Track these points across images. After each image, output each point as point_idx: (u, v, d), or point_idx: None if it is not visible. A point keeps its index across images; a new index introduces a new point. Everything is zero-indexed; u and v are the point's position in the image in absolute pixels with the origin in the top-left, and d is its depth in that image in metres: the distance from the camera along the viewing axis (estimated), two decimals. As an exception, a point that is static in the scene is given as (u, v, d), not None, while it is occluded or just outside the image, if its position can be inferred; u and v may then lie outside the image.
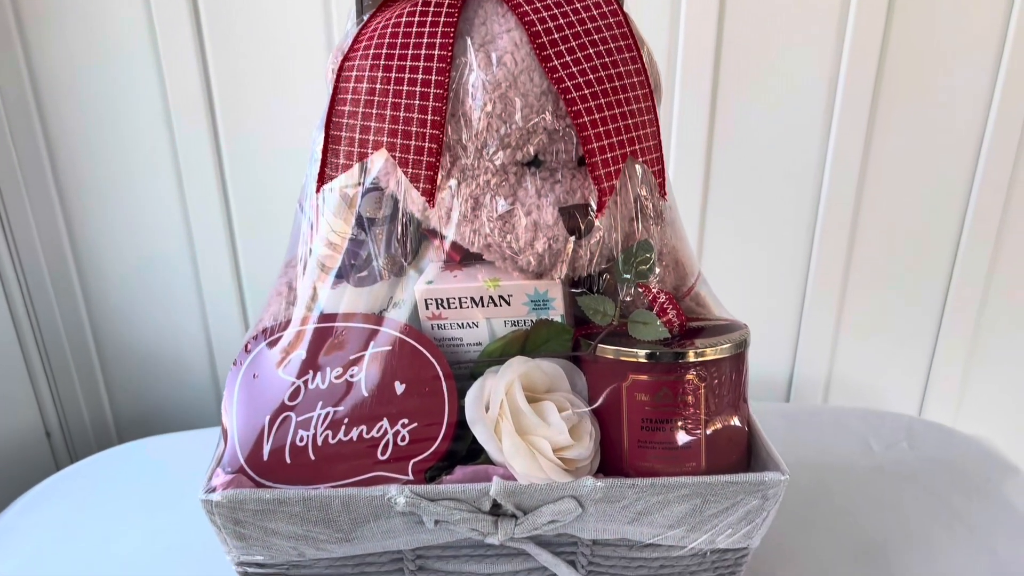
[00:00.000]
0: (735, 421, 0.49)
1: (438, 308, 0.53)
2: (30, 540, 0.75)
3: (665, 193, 0.52)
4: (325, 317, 0.52)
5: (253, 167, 0.95)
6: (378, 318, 0.52)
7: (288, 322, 0.52)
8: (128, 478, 0.85)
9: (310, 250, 0.54)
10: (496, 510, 0.48)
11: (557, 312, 0.52)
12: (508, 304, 0.52)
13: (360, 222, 0.53)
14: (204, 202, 0.96)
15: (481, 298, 0.52)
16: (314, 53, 0.89)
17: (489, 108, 0.46)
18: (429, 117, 0.46)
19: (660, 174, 0.51)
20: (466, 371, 0.54)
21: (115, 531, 0.76)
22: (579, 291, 0.51)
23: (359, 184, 0.51)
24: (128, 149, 0.94)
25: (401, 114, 0.46)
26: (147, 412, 1.08)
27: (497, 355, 0.52)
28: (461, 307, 0.52)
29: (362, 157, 0.48)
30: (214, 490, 0.47)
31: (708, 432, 0.48)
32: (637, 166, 0.50)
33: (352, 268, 0.54)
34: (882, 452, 0.87)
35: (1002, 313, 1.06)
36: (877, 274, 1.04)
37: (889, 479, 0.82)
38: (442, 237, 0.51)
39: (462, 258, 0.54)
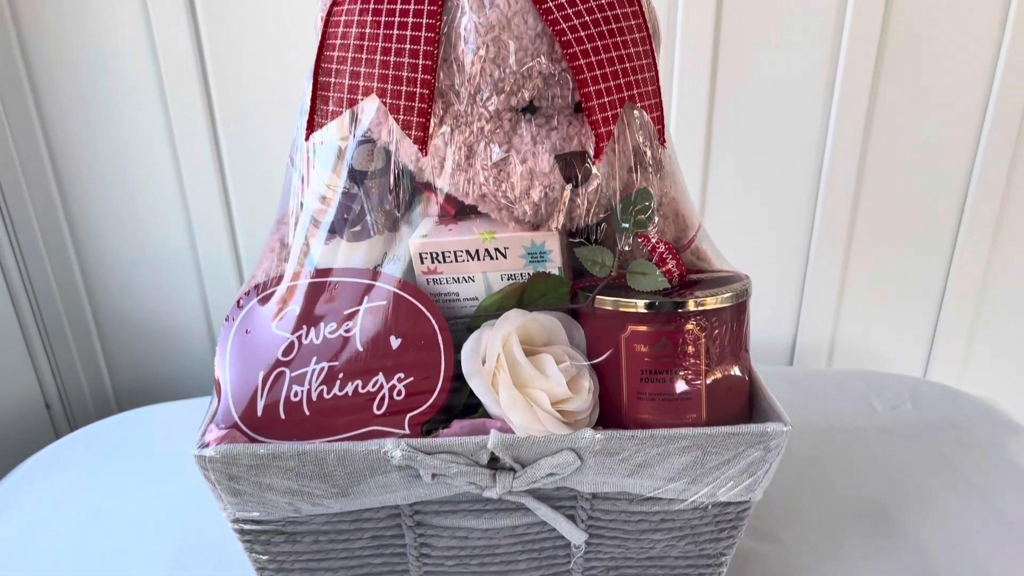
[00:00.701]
0: (736, 372, 0.48)
1: (433, 262, 0.52)
2: (31, 505, 0.75)
3: (664, 141, 0.51)
4: (319, 272, 0.51)
5: (248, 132, 0.94)
6: (373, 273, 0.51)
7: (281, 277, 0.51)
8: (128, 446, 0.85)
9: (301, 204, 0.53)
10: (494, 464, 0.47)
11: (554, 264, 0.51)
12: (504, 257, 0.51)
13: (352, 175, 0.52)
14: (199, 169, 0.95)
15: (477, 251, 0.51)
16: (307, 5, 0.87)
17: (482, 52, 0.45)
18: (420, 62, 0.45)
19: (659, 121, 0.50)
20: (462, 326, 0.53)
21: (115, 497, 0.76)
22: (577, 240, 0.50)
23: (350, 136, 0.50)
24: (121, 117, 0.92)
25: (392, 59, 0.45)
26: (146, 382, 1.07)
27: (494, 309, 0.51)
28: (456, 261, 0.51)
29: (352, 104, 0.47)
30: (207, 446, 0.46)
31: (708, 383, 0.47)
32: (635, 112, 0.48)
33: (345, 223, 0.53)
34: (886, 413, 0.87)
35: (1007, 276, 1.05)
36: (881, 238, 1.02)
37: (893, 439, 0.82)
38: (436, 190, 0.50)
39: (457, 212, 0.53)
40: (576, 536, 0.50)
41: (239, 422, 0.48)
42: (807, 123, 0.95)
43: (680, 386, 0.47)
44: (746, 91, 0.93)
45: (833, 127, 0.93)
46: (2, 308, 0.95)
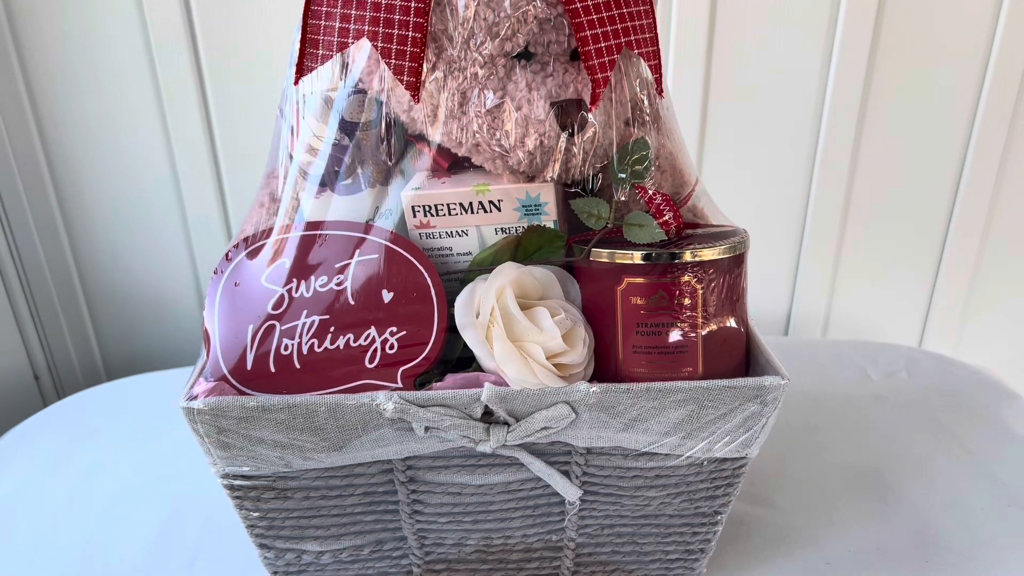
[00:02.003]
0: (733, 325, 0.48)
1: (426, 215, 0.51)
2: (21, 470, 0.75)
3: (662, 91, 0.50)
4: (310, 225, 0.50)
5: (240, 99, 0.92)
6: (364, 226, 0.50)
7: (270, 230, 0.50)
8: (118, 412, 0.84)
9: (290, 157, 0.52)
10: (488, 417, 0.46)
11: (550, 217, 0.50)
12: (499, 210, 0.50)
13: (343, 127, 0.50)
14: (188, 139, 0.93)
15: (470, 204, 0.50)
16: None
17: (476, -5, 0.44)
18: (413, 4, 0.44)
19: (657, 70, 0.49)
20: (456, 281, 0.52)
21: (105, 461, 0.75)
22: (573, 191, 0.49)
23: (340, 85, 0.49)
24: (109, 86, 0.90)
25: (383, 1, 0.44)
26: (136, 353, 1.06)
27: (488, 264, 0.51)
28: (450, 214, 0.50)
29: (342, 48, 0.46)
30: (195, 398, 0.45)
31: (705, 335, 0.47)
32: (633, 59, 0.47)
33: (336, 175, 0.52)
34: (881, 381, 0.86)
35: (1002, 249, 1.04)
36: (876, 210, 1.02)
37: (888, 407, 0.82)
38: (429, 142, 0.49)
39: (450, 165, 0.52)
40: (571, 492, 0.50)
41: (228, 375, 0.47)
42: (803, 97, 0.94)
43: (676, 339, 0.47)
44: (741, 68, 0.92)
45: (830, 97, 0.92)
46: (-11, 279, 0.94)
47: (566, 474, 0.50)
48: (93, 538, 0.65)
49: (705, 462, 0.50)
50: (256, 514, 0.50)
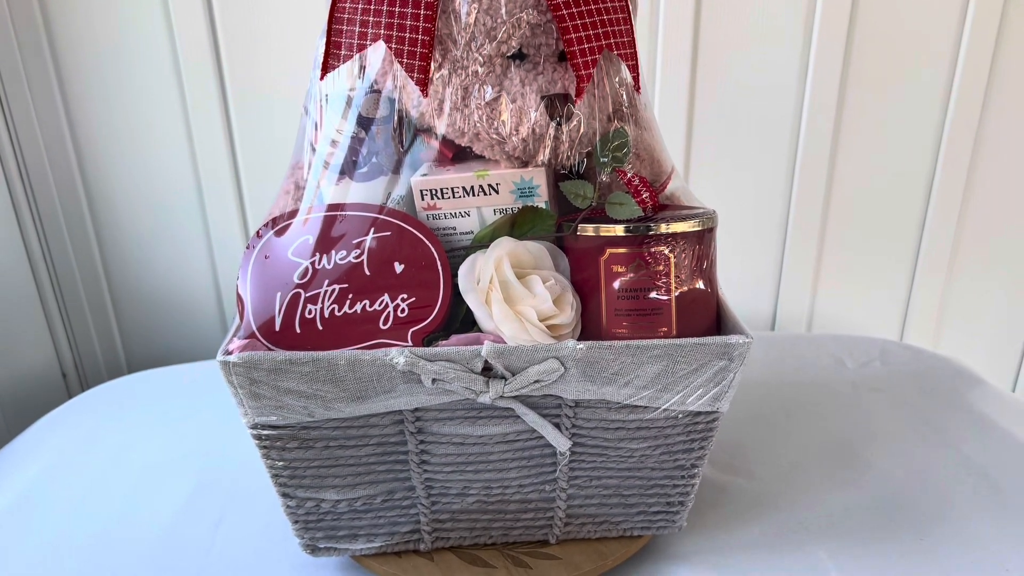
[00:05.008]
0: (702, 287, 0.54)
1: (432, 198, 0.58)
2: (53, 452, 0.80)
3: (639, 87, 0.57)
4: (332, 207, 0.57)
5: (260, 116, 1.00)
6: (379, 207, 0.57)
7: (295, 212, 0.57)
8: (143, 400, 0.90)
9: (314, 149, 0.59)
10: (488, 372, 0.53)
11: (542, 199, 0.57)
12: (497, 193, 0.57)
13: (360, 122, 0.58)
14: (210, 148, 1.01)
15: (472, 187, 0.57)
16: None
17: (476, 3, 0.51)
18: (422, 12, 0.51)
19: (634, 69, 0.56)
20: (459, 258, 0.58)
21: (132, 443, 0.81)
22: (563, 172, 0.56)
23: (359, 83, 0.56)
24: (138, 97, 0.98)
25: (396, 9, 0.51)
26: (158, 353, 1.13)
27: (487, 240, 0.57)
28: (454, 197, 0.57)
29: (361, 49, 0.53)
30: (230, 354, 0.52)
31: (678, 300, 0.53)
32: (613, 60, 0.54)
33: (354, 165, 0.59)
34: (856, 369, 0.92)
35: (975, 247, 1.11)
36: (854, 216, 1.08)
37: (861, 391, 0.88)
38: (435, 135, 0.56)
39: (454, 155, 0.59)
40: (561, 443, 0.56)
41: (259, 336, 0.54)
42: (781, 114, 1.01)
43: (652, 302, 0.53)
44: (722, 87, 0.99)
45: (807, 110, 1.00)
46: (23, 281, 1.01)
47: (557, 426, 0.56)
48: (127, 504, 0.71)
49: (680, 415, 0.56)
50: (280, 463, 0.56)
